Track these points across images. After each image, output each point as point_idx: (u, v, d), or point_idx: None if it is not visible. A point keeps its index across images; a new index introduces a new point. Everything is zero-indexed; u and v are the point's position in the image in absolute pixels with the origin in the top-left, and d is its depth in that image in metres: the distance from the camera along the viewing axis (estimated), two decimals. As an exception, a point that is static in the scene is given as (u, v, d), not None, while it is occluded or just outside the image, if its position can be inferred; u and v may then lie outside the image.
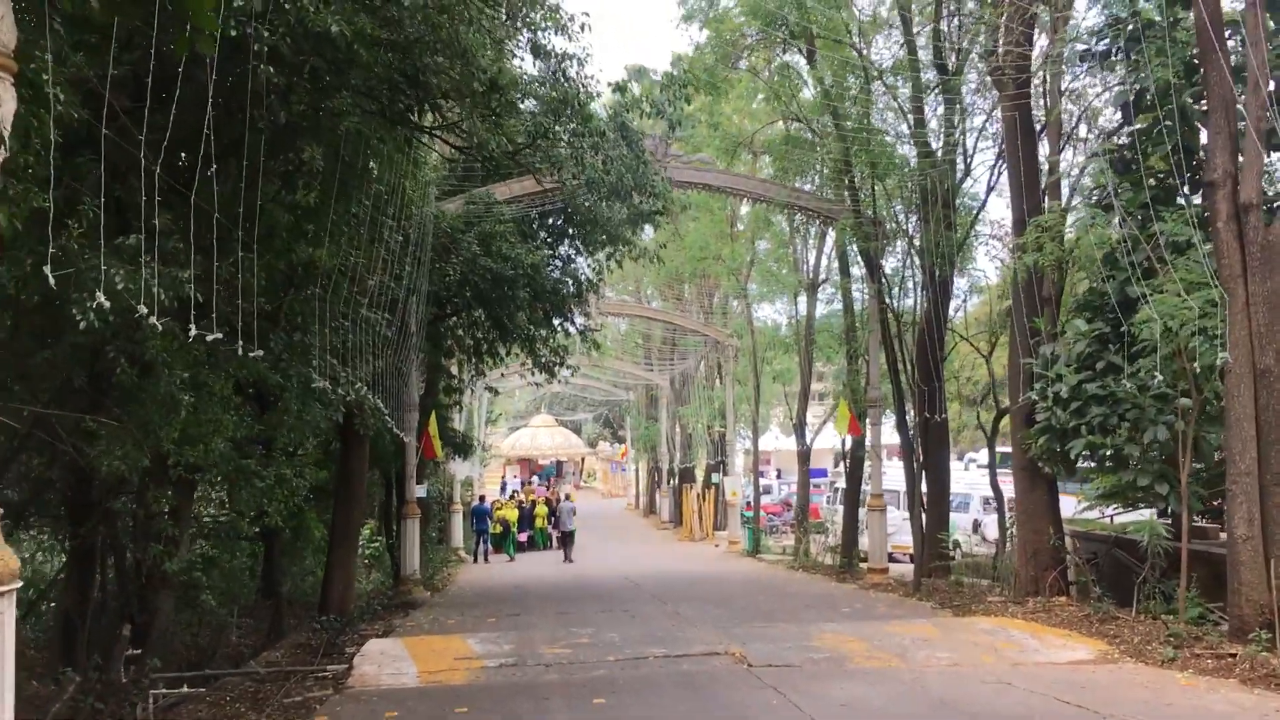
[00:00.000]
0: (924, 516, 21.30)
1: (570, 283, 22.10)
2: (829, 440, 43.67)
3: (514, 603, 20.87)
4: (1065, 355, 15.21)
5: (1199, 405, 13.35)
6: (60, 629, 11.83)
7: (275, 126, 8.50)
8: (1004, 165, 21.48)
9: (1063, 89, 18.13)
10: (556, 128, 12.04)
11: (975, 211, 22.48)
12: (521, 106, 12.31)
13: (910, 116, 21.40)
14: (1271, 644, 11.40)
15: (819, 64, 21.71)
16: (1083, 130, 20.20)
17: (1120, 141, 16.24)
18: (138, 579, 12.44)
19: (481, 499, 38.06)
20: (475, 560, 34.75)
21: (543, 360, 22.41)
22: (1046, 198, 16.89)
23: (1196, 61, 14.27)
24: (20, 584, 4.54)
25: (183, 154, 7.62)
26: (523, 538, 38.40)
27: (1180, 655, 11.88)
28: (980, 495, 31.54)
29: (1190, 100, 14.36)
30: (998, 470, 23.73)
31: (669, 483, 50.18)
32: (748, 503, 37.54)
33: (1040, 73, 17.58)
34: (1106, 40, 15.58)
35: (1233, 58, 13.34)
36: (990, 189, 22.25)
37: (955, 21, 20.51)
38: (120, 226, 7.90)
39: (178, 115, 8.32)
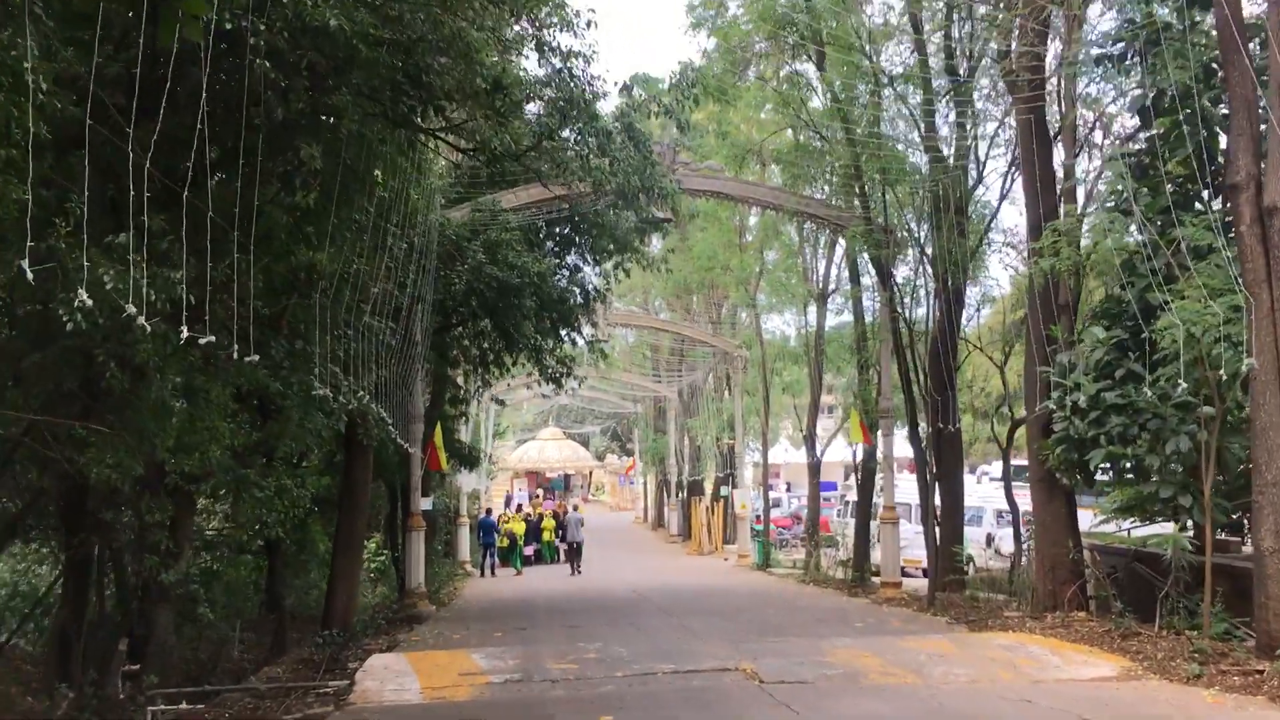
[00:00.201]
0: (937, 530, 20.94)
1: (577, 292, 21.86)
2: (838, 453, 43.39)
3: (520, 617, 20.56)
4: (1083, 364, 14.88)
5: (1221, 414, 13.01)
6: (56, 643, 11.55)
7: (273, 125, 8.26)
8: (1017, 173, 21.25)
9: (1078, 93, 17.83)
10: (563, 130, 11.78)
11: (988, 219, 22.18)
12: (527, 108, 12.08)
13: (921, 123, 21.12)
14: (1301, 660, 11.04)
15: (829, 70, 21.45)
16: (1098, 136, 19.93)
17: (1137, 146, 15.96)
18: (135, 592, 12.18)
19: (488, 512, 37.77)
20: (481, 574, 34.45)
21: (549, 371, 22.13)
22: (1062, 203, 16.58)
23: (1215, 64, 14.02)
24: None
25: (178, 153, 7.35)
26: (529, 551, 38.06)
27: (1206, 672, 11.50)
28: (994, 508, 31.07)
29: (1209, 103, 14.07)
30: (1012, 483, 23.36)
31: (677, 496, 49.83)
32: (757, 516, 37.18)
33: (1055, 76, 17.29)
34: (1122, 44, 15.31)
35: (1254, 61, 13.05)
36: (1003, 196, 22.00)
37: (967, 27, 20.26)
38: (114, 227, 7.65)
39: (174, 115, 8.10)
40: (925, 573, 26.40)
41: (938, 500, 21.15)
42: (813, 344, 31.62)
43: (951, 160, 19.88)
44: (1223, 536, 15.23)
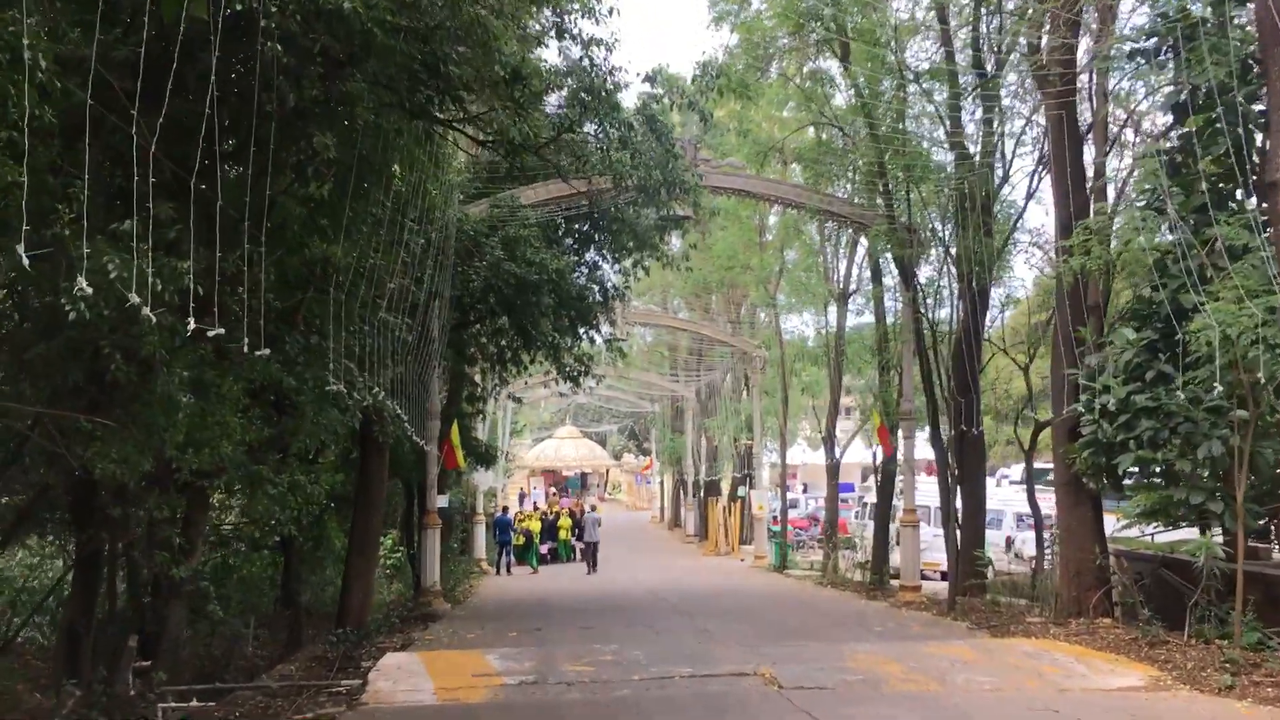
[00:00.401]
0: (958, 533, 20.61)
1: (596, 290, 21.63)
2: (855, 455, 43.03)
3: (536, 617, 20.36)
4: (1112, 366, 14.57)
5: (1255, 418, 12.68)
6: (65, 639, 11.40)
7: (285, 111, 8.05)
8: (1044, 172, 20.93)
9: (1109, 89, 17.47)
10: (584, 122, 11.54)
11: (1015, 218, 21.84)
12: (546, 100, 11.85)
13: (946, 120, 20.80)
14: (1338, 672, 10.72)
15: (853, 65, 21.15)
16: (1128, 134, 19.56)
17: (1170, 144, 15.63)
18: (146, 589, 12.03)
19: (504, 510, 37.64)
20: (498, 572, 34.31)
21: (567, 369, 21.92)
22: (1093, 201, 16.26)
23: (1253, 59, 13.69)
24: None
25: (189, 142, 7.17)
26: (544, 550, 37.92)
27: (1238, 683, 11.21)
28: (1014, 512, 30.71)
29: (1245, 99, 13.72)
30: (1034, 486, 23.00)
31: (694, 496, 49.59)
32: (774, 517, 36.90)
33: (1086, 72, 16.95)
34: (1155, 39, 14.98)
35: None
36: (1030, 195, 21.75)
37: (995, 22, 19.92)
38: (123, 216, 7.47)
39: (184, 101, 7.91)
40: (944, 576, 26.07)
41: (958, 503, 20.83)
42: (833, 345, 31.29)
43: (978, 158, 19.56)
44: (1251, 543, 14.89)
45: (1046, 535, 21.50)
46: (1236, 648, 12.21)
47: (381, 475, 19.31)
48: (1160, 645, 13.30)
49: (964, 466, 20.46)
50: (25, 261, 4.73)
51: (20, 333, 8.65)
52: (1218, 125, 13.73)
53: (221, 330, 6.53)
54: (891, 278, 25.22)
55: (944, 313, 22.31)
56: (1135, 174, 17.62)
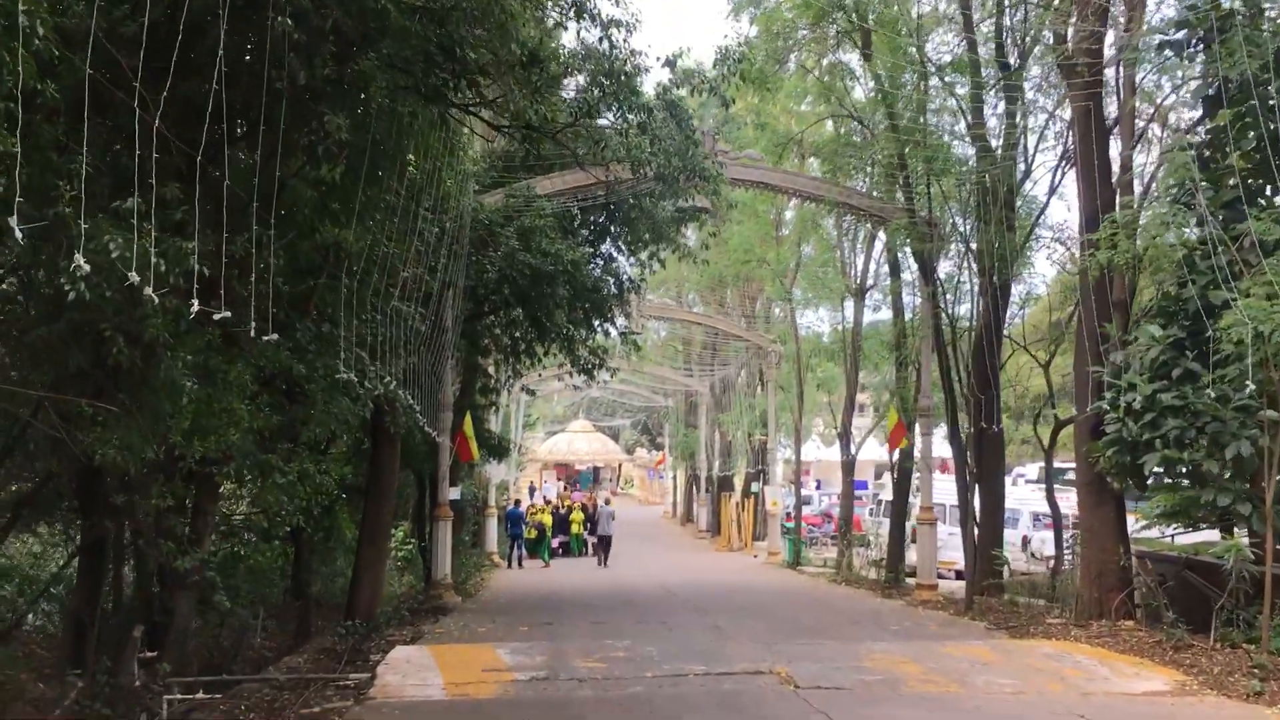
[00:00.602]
0: (976, 531, 20.33)
1: (611, 282, 21.41)
2: (868, 453, 42.69)
3: (547, 611, 20.17)
4: (1137, 363, 14.26)
5: (1286, 418, 12.37)
6: (70, 628, 11.25)
7: (296, 89, 7.83)
8: (1066, 167, 20.63)
9: (1137, 81, 17.11)
10: (602, 107, 11.27)
11: (1037, 214, 21.50)
12: (564, 83, 11.61)
13: (968, 114, 20.49)
14: (1370, 679, 10.43)
15: (874, 57, 20.84)
16: (1154, 129, 19.21)
17: (1198, 138, 15.30)
18: (153, 578, 11.86)
19: (516, 503, 37.50)
20: (509, 565, 34.15)
21: (582, 362, 21.71)
22: (1118, 195, 15.94)
23: (1287, 50, 13.35)
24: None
25: (198, 122, 6.95)
26: (556, 543, 37.76)
27: (1267, 689, 10.93)
28: (1030, 511, 30.43)
29: (1276, 93, 13.39)
30: (1051, 485, 22.71)
31: (707, 491, 49.36)
32: (788, 513, 36.65)
33: (1114, 64, 16.61)
34: (1185, 31, 14.65)
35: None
36: (1052, 190, 21.35)
37: (1019, 14, 19.59)
38: (128, 196, 7.28)
39: (194, 82, 7.72)
40: (958, 575, 25.81)
41: (976, 502, 20.55)
42: (849, 340, 31.01)
43: (1000, 152, 19.24)
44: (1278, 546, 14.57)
45: (1066, 535, 21.26)
46: (1265, 652, 11.93)
47: (393, 466, 19.13)
48: (1185, 649, 13.02)
49: (983, 464, 20.17)
50: (19, 234, 4.53)
51: (25, 317, 8.47)
52: (1248, 119, 13.44)
53: (228, 313, 6.33)
54: (910, 273, 24.93)
55: (963, 309, 22.04)
56: (1162, 169, 17.27)
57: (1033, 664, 12.76)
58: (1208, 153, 14.80)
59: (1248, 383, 11.54)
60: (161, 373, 7.76)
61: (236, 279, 7.98)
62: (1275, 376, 11.99)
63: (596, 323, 21.70)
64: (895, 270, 26.28)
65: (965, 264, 21.29)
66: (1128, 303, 15.98)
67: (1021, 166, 20.56)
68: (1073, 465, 30.05)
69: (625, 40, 11.11)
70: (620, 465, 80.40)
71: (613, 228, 21.88)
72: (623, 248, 22.68)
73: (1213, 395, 12.71)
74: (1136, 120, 18.05)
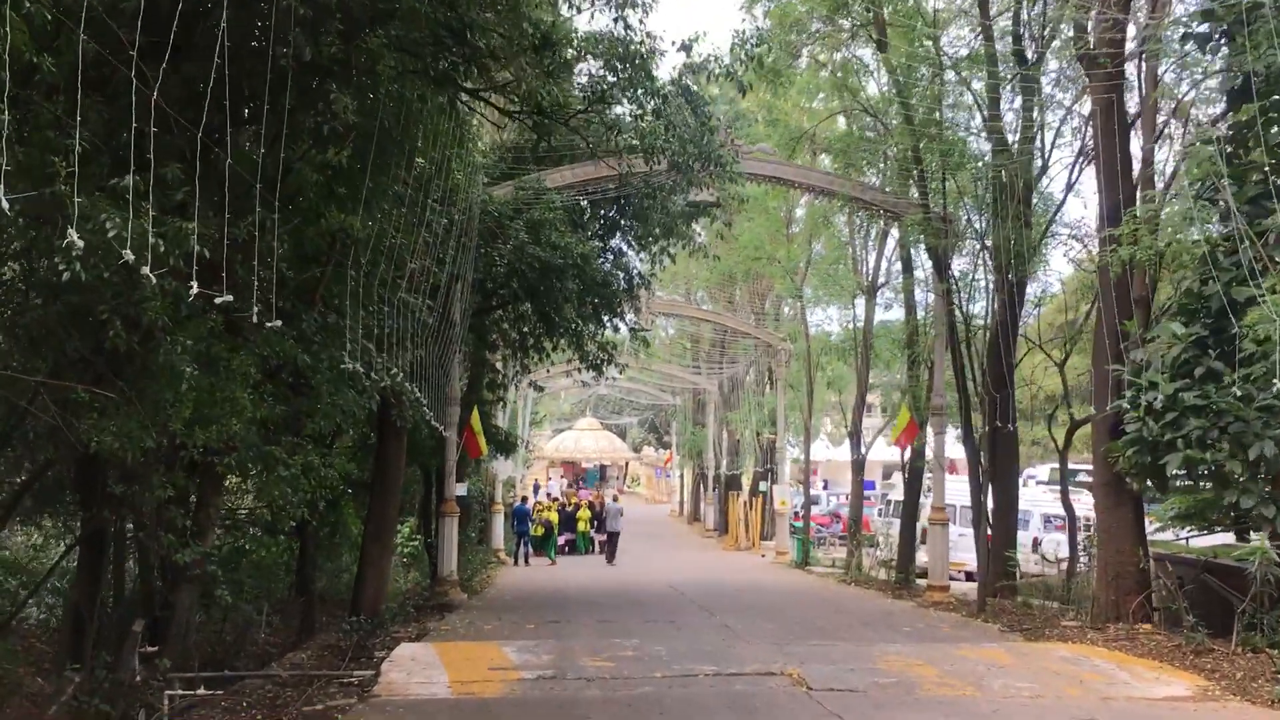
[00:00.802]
0: (989, 532, 20.05)
1: (621, 277, 21.17)
2: (876, 453, 42.38)
3: (554, 608, 19.95)
4: (1158, 361, 13.97)
5: (1311, 418, 12.09)
6: (70, 621, 11.04)
7: (302, 67, 7.59)
8: (1084, 163, 20.33)
9: (1160, 74, 16.82)
10: (615, 90, 11.00)
11: (1054, 210, 21.21)
12: (577, 70, 11.36)
13: (984, 108, 20.20)
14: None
15: (889, 51, 20.55)
16: (1174, 126, 18.88)
17: (1222, 132, 15.00)
18: (156, 572, 11.65)
19: (523, 500, 37.29)
20: (515, 562, 33.95)
21: (590, 357, 21.48)
22: (1139, 190, 15.65)
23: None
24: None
25: (202, 102, 6.72)
26: (561, 540, 37.53)
27: (1292, 695, 10.66)
28: (1041, 512, 30.09)
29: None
30: (1066, 486, 22.40)
31: (714, 490, 49.10)
32: (796, 512, 36.36)
33: (1135, 57, 16.32)
34: (1208, 23, 14.36)
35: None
36: (1069, 187, 21.03)
37: (1037, 7, 19.30)
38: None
39: (198, 62, 7.49)
40: (968, 576, 25.55)
41: (988, 502, 20.27)
42: (860, 338, 30.74)
43: (1016, 147, 18.95)
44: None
45: (1079, 536, 20.95)
46: (1288, 658, 11.66)
47: (399, 461, 18.91)
48: (1206, 653, 12.76)
49: (996, 464, 19.89)
50: (5, 205, 4.30)
51: (24, 301, 8.25)
52: (1273, 114, 13.15)
53: (229, 297, 6.09)
54: (923, 270, 24.67)
55: (977, 307, 21.76)
56: (1182, 164, 16.97)
57: (1050, 667, 12.50)
58: (1231, 148, 14.50)
59: (1274, 381, 11.25)
60: (161, 358, 7.52)
61: (240, 264, 7.76)
62: (1301, 375, 11.71)
63: (606, 318, 21.45)
64: (908, 267, 26.02)
65: (980, 261, 20.99)
66: (1149, 299, 15.69)
67: (1038, 162, 20.27)
68: (1085, 466, 29.73)
69: (641, 22, 10.89)
70: (627, 463, 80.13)
71: (623, 222, 21.63)
72: (633, 242, 22.43)
73: (1237, 394, 12.42)
74: (1158, 115, 17.77)
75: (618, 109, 12.32)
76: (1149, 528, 17.09)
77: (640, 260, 23.19)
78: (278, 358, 10.61)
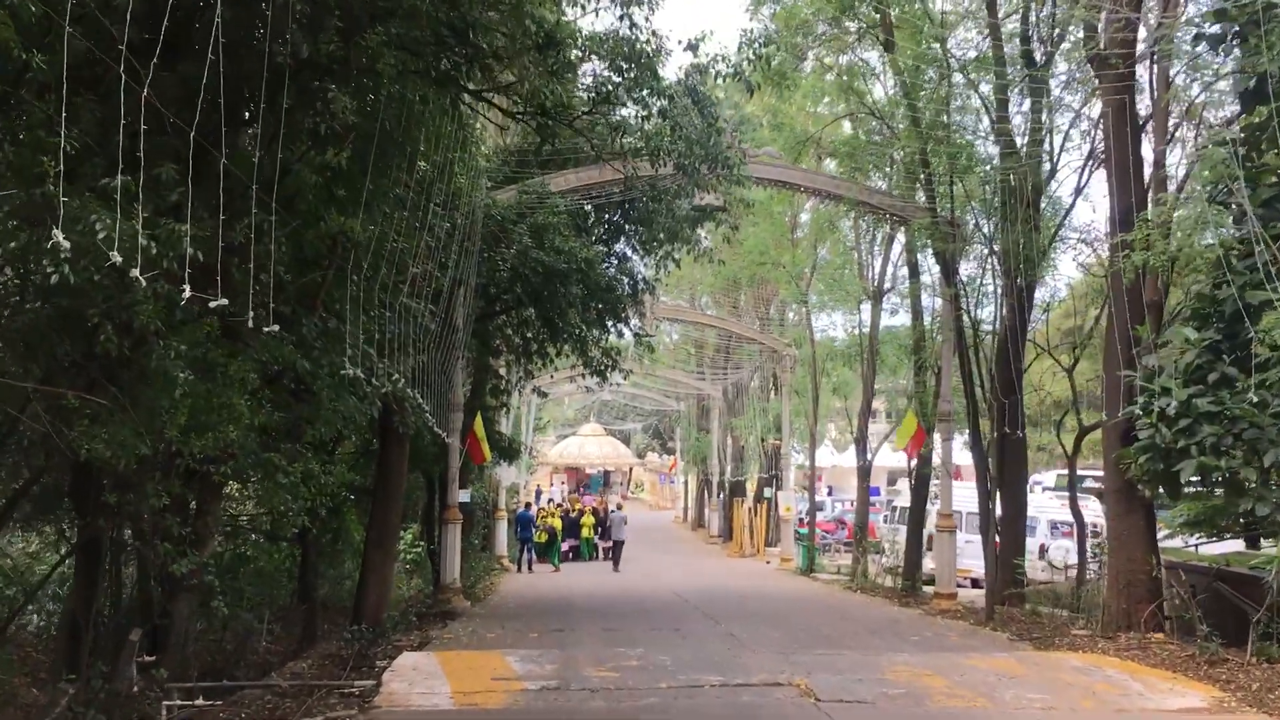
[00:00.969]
0: (996, 539, 19.82)
1: (625, 281, 21.01)
2: (881, 459, 42.15)
3: (558, 616, 19.75)
4: (1171, 367, 13.77)
5: (1327, 425, 11.89)
6: (66, 631, 10.86)
7: (301, 65, 7.43)
8: (1094, 167, 20.14)
9: (1171, 76, 16.62)
10: (620, 90, 10.82)
11: (1064, 214, 21.02)
12: (581, 70, 11.19)
13: (992, 111, 20.02)
14: None
15: (896, 50, 20.38)
16: (1185, 129, 18.69)
17: (1235, 134, 14.82)
18: (154, 580, 11.47)
19: (527, 506, 37.10)
20: (519, 569, 33.74)
21: (594, 363, 21.31)
22: (1151, 193, 15.46)
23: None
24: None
25: (197, 102, 6.56)
26: (565, 547, 37.33)
27: (1311, 707, 10.45)
28: (1047, 519, 29.84)
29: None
30: (1075, 493, 22.18)
31: (719, 496, 48.88)
32: (801, 519, 36.14)
33: (1146, 59, 16.13)
34: (1220, 24, 14.17)
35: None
36: (1078, 191, 20.87)
37: (1045, 9, 19.12)
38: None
39: (195, 63, 7.32)
40: (974, 583, 25.32)
41: (996, 509, 20.05)
42: (867, 343, 30.53)
43: (1024, 150, 18.77)
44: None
45: (1089, 543, 20.75)
46: (1306, 668, 11.45)
47: (401, 467, 18.74)
48: (1220, 664, 12.54)
49: (1004, 470, 19.67)
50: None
51: (19, 306, 8.08)
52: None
53: (224, 301, 5.92)
54: (930, 275, 24.48)
55: (985, 312, 21.56)
56: (1195, 166, 16.78)
57: (1062, 678, 12.29)
58: (1244, 150, 14.31)
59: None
60: (154, 363, 7.34)
61: (237, 267, 7.59)
62: (1317, 381, 11.52)
63: (610, 323, 21.29)
64: (915, 272, 25.83)
65: (988, 265, 20.80)
66: (1161, 304, 15.50)
67: (1047, 166, 20.08)
68: (1091, 472, 29.47)
69: (647, 19, 10.71)
70: (631, 469, 79.93)
71: (628, 226, 21.48)
72: (637, 247, 22.27)
73: (1252, 400, 12.22)
74: (1169, 117, 17.58)
75: (623, 110, 12.15)
76: (1159, 535, 16.89)
77: (645, 265, 23.04)
78: (277, 363, 10.45)
